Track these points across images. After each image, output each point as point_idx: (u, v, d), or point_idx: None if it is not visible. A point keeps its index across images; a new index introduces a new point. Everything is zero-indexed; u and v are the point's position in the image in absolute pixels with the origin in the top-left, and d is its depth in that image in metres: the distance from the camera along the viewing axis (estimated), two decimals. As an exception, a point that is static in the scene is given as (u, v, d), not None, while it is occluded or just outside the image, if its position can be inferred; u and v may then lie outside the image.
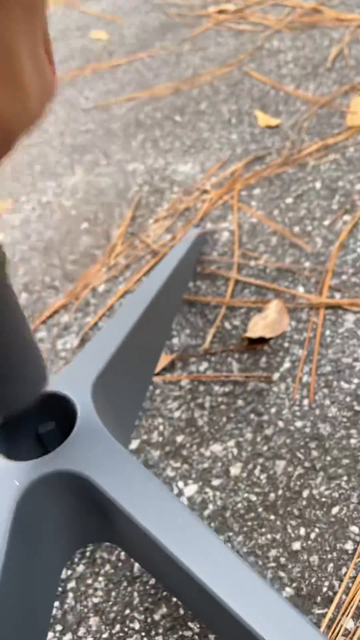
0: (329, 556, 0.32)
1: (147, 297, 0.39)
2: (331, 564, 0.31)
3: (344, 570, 0.31)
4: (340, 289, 0.46)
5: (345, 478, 0.34)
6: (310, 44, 0.84)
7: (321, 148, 0.61)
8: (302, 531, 0.33)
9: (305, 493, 0.34)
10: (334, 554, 0.32)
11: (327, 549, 0.32)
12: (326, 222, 0.52)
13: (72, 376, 0.30)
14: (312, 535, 0.33)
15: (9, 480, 0.25)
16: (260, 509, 0.34)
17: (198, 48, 0.91)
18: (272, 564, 0.32)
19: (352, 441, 0.36)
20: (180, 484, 0.36)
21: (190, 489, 0.36)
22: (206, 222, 0.56)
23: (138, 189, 0.64)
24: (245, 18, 0.98)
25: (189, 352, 0.44)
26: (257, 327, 0.43)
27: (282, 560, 0.32)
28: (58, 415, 0.29)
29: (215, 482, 0.36)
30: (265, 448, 0.37)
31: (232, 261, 0.51)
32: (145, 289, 0.41)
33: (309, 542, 0.32)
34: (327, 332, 0.43)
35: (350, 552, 0.32)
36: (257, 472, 0.36)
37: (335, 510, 0.33)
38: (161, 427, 0.40)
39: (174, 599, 0.31)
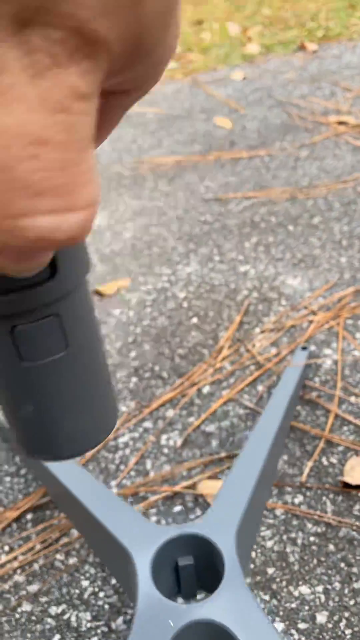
0: None
1: (271, 432, 0.42)
2: None
3: None
4: None
5: None
6: None
7: None
8: None
9: (388, 661, 0.35)
10: None
11: None
12: None
13: (216, 521, 0.33)
14: None
15: (164, 619, 0.28)
16: (341, 665, 0.35)
17: (316, 157, 0.96)
18: None
19: None
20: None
21: (278, 626, 0.37)
22: (311, 343, 0.59)
23: (247, 294, 0.67)
24: (363, 134, 1.02)
25: (285, 480, 0.46)
26: (355, 473, 0.45)
27: None
28: (197, 551, 0.32)
29: (302, 626, 0.37)
30: (352, 602, 0.38)
31: (334, 393, 0.53)
32: (268, 420, 0.43)
33: None
34: None
35: None
36: (342, 625, 0.37)
37: None
38: (253, 554, 0.42)
39: None
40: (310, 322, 0.62)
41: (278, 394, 0.48)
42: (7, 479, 0.49)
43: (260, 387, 0.55)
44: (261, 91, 1.25)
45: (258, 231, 0.79)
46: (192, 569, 0.32)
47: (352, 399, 0.52)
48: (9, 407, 0.18)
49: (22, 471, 0.50)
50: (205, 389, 0.56)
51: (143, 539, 0.31)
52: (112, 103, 0.13)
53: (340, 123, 1.07)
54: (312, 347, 0.58)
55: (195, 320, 0.65)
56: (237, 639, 0.27)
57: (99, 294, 0.71)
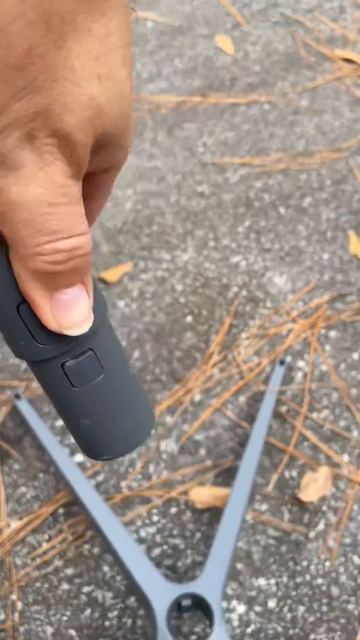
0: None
1: (247, 488, 0.53)
2: None
3: None
4: (373, 463, 0.59)
5: (338, 633, 0.51)
6: None
7: (394, 304, 0.70)
8: (303, 653, 0.50)
9: (312, 636, 0.51)
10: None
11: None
12: (378, 388, 0.64)
13: (207, 582, 0.46)
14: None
15: None
16: (282, 639, 0.51)
17: (315, 109, 0.92)
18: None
19: (350, 607, 0.52)
20: (234, 602, 0.53)
21: (240, 608, 0.53)
22: (288, 353, 0.67)
23: (237, 291, 0.73)
24: (365, 80, 0.97)
25: (256, 489, 0.59)
26: (309, 490, 0.57)
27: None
28: (195, 600, 0.45)
29: (257, 609, 0.53)
30: (294, 593, 0.53)
31: (300, 410, 0.63)
32: (251, 453, 0.54)
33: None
34: (356, 507, 0.57)
35: None
36: (285, 609, 0.53)
37: (326, 645, 0.50)
38: (228, 550, 0.55)
39: None
40: (290, 330, 0.69)
41: (259, 423, 0.58)
42: (40, 475, 0.61)
43: (242, 399, 0.65)
44: (267, -4, 1.12)
45: (252, 212, 0.81)
46: (190, 607, 0.46)
47: (315, 415, 0.63)
48: (71, 424, 0.23)
49: (51, 468, 0.61)
50: (197, 397, 0.65)
51: (160, 594, 0.45)
52: (99, 179, 0.19)
53: (346, 60, 1.01)
54: (289, 359, 0.67)
55: (189, 319, 0.71)
56: None
57: (104, 281, 0.76)
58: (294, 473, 0.59)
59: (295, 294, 0.72)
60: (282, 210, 0.81)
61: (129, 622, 0.52)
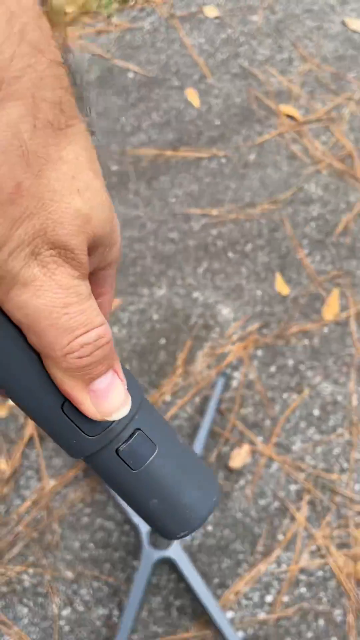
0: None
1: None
2: (234, 569, 0.86)
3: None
4: (283, 445, 0.93)
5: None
6: (334, 200, 1.15)
7: (299, 332, 1.02)
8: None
9: (231, 546, 0.87)
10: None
11: (234, 563, 0.87)
12: (285, 395, 0.97)
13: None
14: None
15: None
16: (214, 545, 0.87)
17: (260, 163, 1.19)
18: None
19: (256, 529, 0.88)
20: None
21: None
22: (229, 367, 1.00)
23: (196, 320, 1.04)
24: (302, 136, 1.23)
25: (204, 461, 0.93)
26: (235, 460, 0.91)
27: (218, 562, 0.86)
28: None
29: (200, 530, 0.88)
30: (224, 521, 0.89)
31: (232, 407, 0.96)
32: (195, 448, 0.88)
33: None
34: (263, 471, 0.92)
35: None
36: (217, 530, 0.88)
37: None
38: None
39: None
40: (230, 350, 1.01)
41: (207, 417, 0.91)
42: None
43: (197, 399, 0.97)
44: (229, 46, 1.34)
45: (208, 256, 1.10)
46: None
47: (243, 410, 0.96)
48: (140, 508, 0.24)
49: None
50: (167, 398, 0.98)
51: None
52: (102, 276, 0.23)
53: (289, 117, 1.26)
54: (228, 371, 0.99)
55: (163, 341, 1.03)
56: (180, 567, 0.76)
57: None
58: (227, 449, 0.93)
59: (236, 322, 1.04)
60: (230, 254, 1.10)
61: (124, 539, 0.88)
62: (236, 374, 0.99)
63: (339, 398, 0.96)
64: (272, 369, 0.99)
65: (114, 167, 1.21)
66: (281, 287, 1.06)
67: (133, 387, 0.23)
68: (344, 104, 1.26)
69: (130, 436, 0.23)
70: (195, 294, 1.07)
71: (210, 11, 1.40)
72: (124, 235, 1.13)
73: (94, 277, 0.23)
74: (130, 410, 0.22)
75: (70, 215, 0.19)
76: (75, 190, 0.19)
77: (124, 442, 0.23)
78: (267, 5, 1.40)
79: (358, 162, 1.18)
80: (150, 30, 1.38)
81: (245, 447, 0.92)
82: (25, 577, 0.83)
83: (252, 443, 0.93)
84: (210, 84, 1.29)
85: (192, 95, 1.28)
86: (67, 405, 0.21)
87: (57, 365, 0.20)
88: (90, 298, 0.20)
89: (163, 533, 0.25)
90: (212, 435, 0.94)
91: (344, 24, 1.38)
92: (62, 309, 0.19)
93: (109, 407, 0.21)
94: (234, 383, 0.98)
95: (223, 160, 1.20)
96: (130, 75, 1.32)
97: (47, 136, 0.18)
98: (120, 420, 0.22)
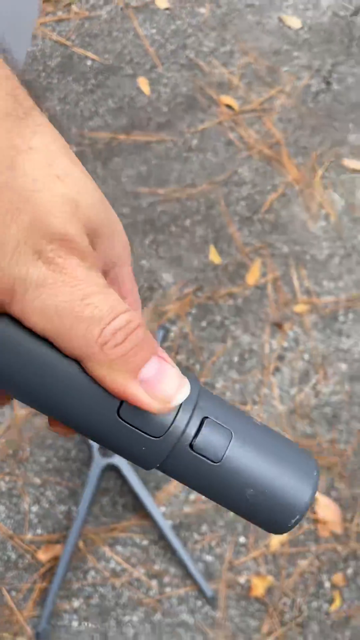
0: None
1: None
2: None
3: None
4: (208, 384, 1.17)
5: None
6: (262, 182, 1.35)
7: (227, 294, 1.25)
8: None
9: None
10: None
11: None
12: (212, 345, 1.20)
13: None
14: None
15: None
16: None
17: (202, 148, 1.38)
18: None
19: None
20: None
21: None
22: (168, 322, 1.22)
23: (143, 283, 1.25)
24: (238, 124, 1.42)
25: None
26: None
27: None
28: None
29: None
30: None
31: (170, 355, 1.19)
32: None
33: None
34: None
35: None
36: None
37: None
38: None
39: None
40: (169, 309, 1.23)
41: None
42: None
43: (141, 348, 1.19)
44: (178, 37, 1.51)
45: (154, 229, 1.31)
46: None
47: (177, 357, 1.19)
48: (238, 504, 0.21)
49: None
50: (117, 347, 1.20)
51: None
52: (117, 275, 0.23)
53: (228, 106, 1.45)
54: (168, 325, 1.21)
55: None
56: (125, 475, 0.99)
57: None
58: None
59: (175, 286, 1.25)
60: (173, 228, 1.31)
61: (81, 454, 1.11)
62: (174, 328, 1.21)
63: (255, 347, 1.20)
64: (203, 323, 1.22)
65: (74, 149, 1.39)
66: (214, 256, 1.28)
67: (187, 376, 0.22)
68: (276, 96, 1.46)
69: (200, 426, 0.21)
70: (143, 262, 1.28)
71: (162, 2, 1.55)
72: (82, 210, 1.32)
73: (107, 278, 0.22)
74: (190, 399, 0.21)
75: (58, 202, 0.18)
76: (55, 177, 0.18)
77: (195, 436, 0.21)
78: (213, -1, 1.56)
79: (284, 150, 1.39)
80: (107, 19, 1.53)
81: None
82: (2, 483, 1.06)
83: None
84: (160, 73, 1.47)
85: (143, 84, 1.46)
86: (124, 408, 0.20)
87: (99, 362, 0.19)
88: (109, 287, 0.20)
89: (274, 527, 0.22)
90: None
91: (280, 20, 1.55)
92: (84, 301, 0.18)
93: (166, 392, 0.20)
94: (172, 335, 1.21)
95: (169, 145, 1.39)
96: (89, 62, 1.48)
97: (9, 127, 0.17)
98: (183, 412, 0.21)
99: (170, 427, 0.21)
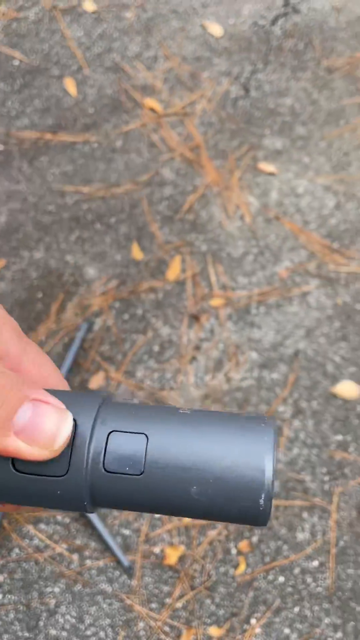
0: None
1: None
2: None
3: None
4: (130, 372, 1.25)
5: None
6: (183, 183, 1.44)
7: (148, 288, 1.33)
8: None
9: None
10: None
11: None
12: (134, 336, 1.29)
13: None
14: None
15: None
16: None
17: (125, 149, 1.45)
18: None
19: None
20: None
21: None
22: (93, 316, 1.29)
23: (68, 277, 1.32)
24: (161, 127, 1.50)
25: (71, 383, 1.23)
26: (93, 383, 1.22)
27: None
28: None
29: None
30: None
31: (93, 346, 1.26)
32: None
33: None
34: (102, 383, 1.24)
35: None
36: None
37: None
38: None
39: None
40: (93, 303, 1.30)
41: (71, 351, 1.20)
42: None
43: (65, 339, 1.26)
44: (104, 40, 1.57)
45: (79, 227, 1.37)
46: None
47: (101, 348, 1.26)
48: (190, 508, 0.18)
49: None
50: (43, 338, 1.26)
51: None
52: (13, 356, 0.22)
53: (151, 109, 1.52)
54: (92, 318, 1.29)
55: (40, 295, 1.30)
56: None
57: (-10, 271, 1.31)
58: (87, 375, 1.24)
59: (99, 281, 1.33)
60: (97, 225, 1.38)
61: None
62: (98, 320, 1.29)
63: (174, 338, 1.29)
64: (126, 316, 1.30)
65: (0, 147, 1.43)
66: (136, 253, 1.36)
67: (78, 399, 0.20)
68: (197, 100, 1.55)
69: (106, 443, 0.19)
70: (68, 257, 1.34)
71: (89, 5, 1.61)
72: (8, 207, 1.37)
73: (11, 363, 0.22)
74: (86, 421, 0.19)
75: None
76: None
77: (104, 455, 0.19)
78: (139, 4, 1.63)
79: (204, 152, 1.48)
80: (35, 20, 1.57)
81: (101, 374, 1.23)
82: None
83: (106, 371, 1.24)
84: (86, 75, 1.52)
85: (70, 85, 1.51)
86: (18, 462, 0.19)
87: None
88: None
89: (248, 517, 0.19)
90: (77, 366, 1.24)
91: (203, 27, 1.64)
92: None
93: (46, 435, 0.18)
94: (96, 327, 1.28)
95: (95, 145, 1.46)
96: (16, 62, 1.52)
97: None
98: (80, 438, 0.19)
99: (70, 459, 0.18)
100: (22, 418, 0.18)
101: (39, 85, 1.50)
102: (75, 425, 0.20)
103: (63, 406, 0.19)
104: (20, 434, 0.18)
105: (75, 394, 0.20)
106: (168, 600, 1.04)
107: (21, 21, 1.56)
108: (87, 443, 0.19)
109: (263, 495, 0.18)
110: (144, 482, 0.18)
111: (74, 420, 0.20)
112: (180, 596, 1.04)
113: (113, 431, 0.19)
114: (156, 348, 1.28)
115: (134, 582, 1.04)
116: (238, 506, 0.18)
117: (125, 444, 0.19)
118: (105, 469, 0.19)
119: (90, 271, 1.33)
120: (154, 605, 1.04)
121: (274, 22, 1.66)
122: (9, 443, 0.18)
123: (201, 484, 0.18)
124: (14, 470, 0.19)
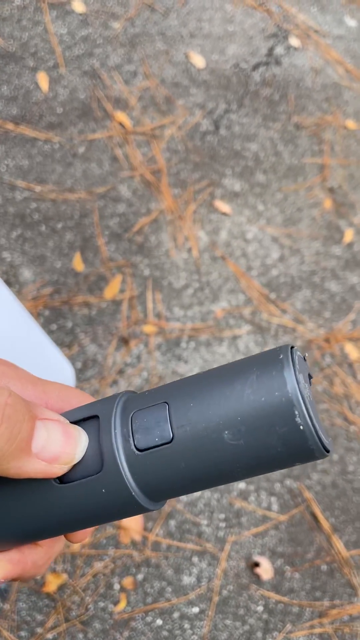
0: None
1: None
2: None
3: None
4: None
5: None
6: (138, 204, 1.43)
7: (83, 302, 1.30)
8: None
9: None
10: None
11: None
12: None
13: None
14: None
15: None
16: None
17: (87, 157, 1.43)
18: None
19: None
20: None
21: None
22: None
23: (0, 275, 1.26)
24: (127, 143, 1.49)
25: None
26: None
27: None
28: None
29: None
30: None
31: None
32: None
33: None
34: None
35: None
36: None
37: None
38: None
39: None
40: (25, 306, 1.25)
41: None
42: None
43: None
44: (87, 44, 1.55)
45: (24, 225, 1.32)
46: None
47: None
48: (235, 460, 0.18)
49: None
50: None
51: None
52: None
53: (120, 123, 1.51)
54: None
55: (-32, 287, 1.23)
56: None
57: None
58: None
59: (33, 284, 1.28)
60: (42, 227, 1.34)
61: None
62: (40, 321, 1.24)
63: (99, 357, 1.26)
64: (54, 326, 1.26)
65: None
66: (78, 264, 1.33)
67: (100, 400, 0.20)
68: (168, 126, 1.55)
69: (131, 425, 0.19)
70: (5, 254, 1.29)
71: (78, 6, 1.58)
72: None
73: None
74: (104, 416, 0.19)
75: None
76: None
77: (132, 436, 0.19)
78: (129, 17, 1.62)
79: (165, 178, 1.48)
80: (20, 6, 1.52)
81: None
82: None
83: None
84: (62, 74, 1.49)
85: (42, 80, 1.47)
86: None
87: (5, 465, 0.18)
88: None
89: (294, 447, 0.17)
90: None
91: (186, 55, 1.66)
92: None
93: (67, 452, 0.19)
94: (20, 332, 1.23)
95: (56, 146, 1.42)
96: (-9, 43, 1.46)
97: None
98: (102, 431, 0.19)
99: (101, 452, 0.19)
100: (39, 440, 0.19)
101: (10, 72, 1.45)
102: (98, 420, 0.20)
103: (66, 420, 0.20)
104: (41, 455, 0.19)
105: (99, 399, 0.21)
106: (39, 630, 0.99)
107: (5, 3, 1.51)
108: (112, 430, 0.19)
109: (297, 412, 0.17)
110: (178, 448, 0.18)
111: (97, 415, 0.20)
112: (53, 627, 1.00)
113: (135, 411, 0.19)
114: (78, 365, 1.24)
115: (6, 606, 0.99)
116: (277, 435, 0.17)
117: (149, 417, 0.19)
118: (137, 449, 0.19)
119: (26, 273, 1.28)
120: (23, 634, 0.99)
121: (255, 68, 1.71)
122: (28, 466, 0.18)
123: (231, 425, 0.18)
124: (59, 484, 0.19)
